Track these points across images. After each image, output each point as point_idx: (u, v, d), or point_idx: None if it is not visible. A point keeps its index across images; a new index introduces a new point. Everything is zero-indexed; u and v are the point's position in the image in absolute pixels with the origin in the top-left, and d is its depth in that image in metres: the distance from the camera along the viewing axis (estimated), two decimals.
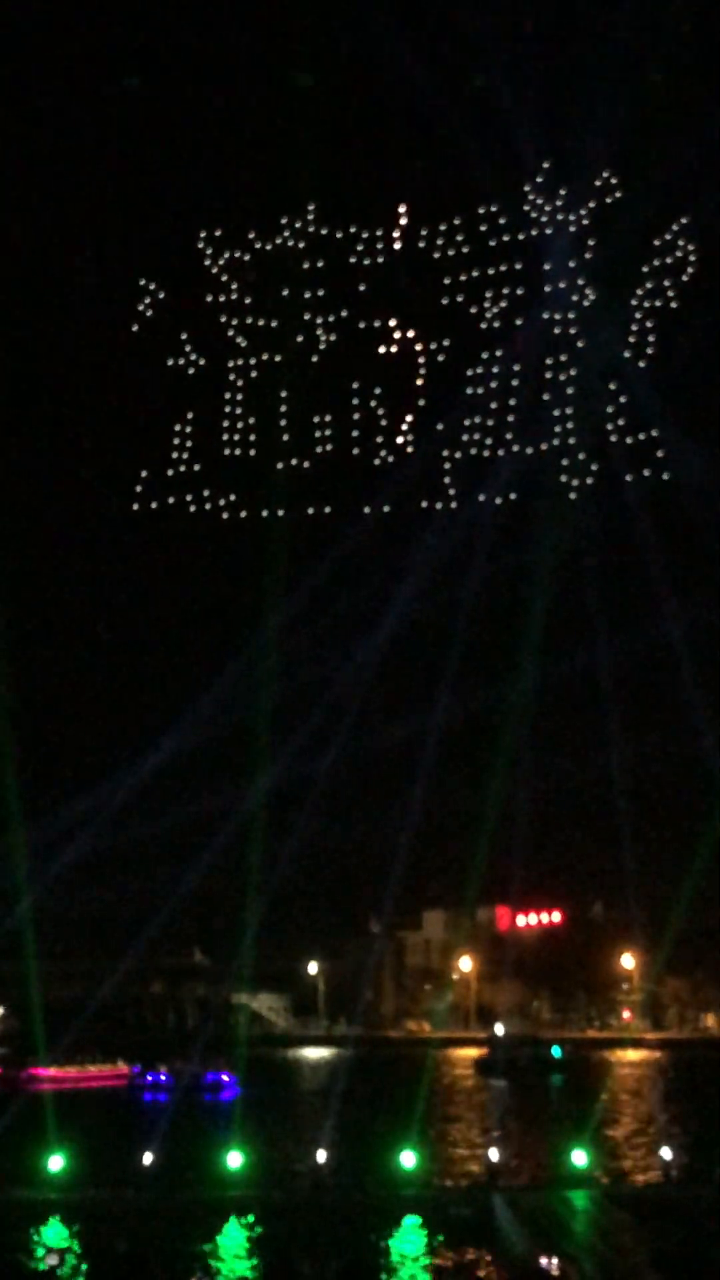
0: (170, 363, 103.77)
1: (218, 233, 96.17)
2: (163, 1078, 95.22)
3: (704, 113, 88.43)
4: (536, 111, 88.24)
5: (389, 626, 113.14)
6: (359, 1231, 43.63)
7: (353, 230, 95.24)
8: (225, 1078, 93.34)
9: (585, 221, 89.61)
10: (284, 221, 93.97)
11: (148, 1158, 50.69)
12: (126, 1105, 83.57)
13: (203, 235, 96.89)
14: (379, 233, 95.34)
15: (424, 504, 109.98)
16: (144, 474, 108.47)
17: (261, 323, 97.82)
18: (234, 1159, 49.92)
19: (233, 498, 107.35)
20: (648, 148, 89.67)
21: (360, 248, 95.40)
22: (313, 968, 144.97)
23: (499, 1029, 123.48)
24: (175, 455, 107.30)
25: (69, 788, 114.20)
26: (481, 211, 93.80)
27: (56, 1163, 49.28)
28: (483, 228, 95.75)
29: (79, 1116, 70.49)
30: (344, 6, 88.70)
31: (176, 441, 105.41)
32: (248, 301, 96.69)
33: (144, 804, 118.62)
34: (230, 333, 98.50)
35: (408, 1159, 49.71)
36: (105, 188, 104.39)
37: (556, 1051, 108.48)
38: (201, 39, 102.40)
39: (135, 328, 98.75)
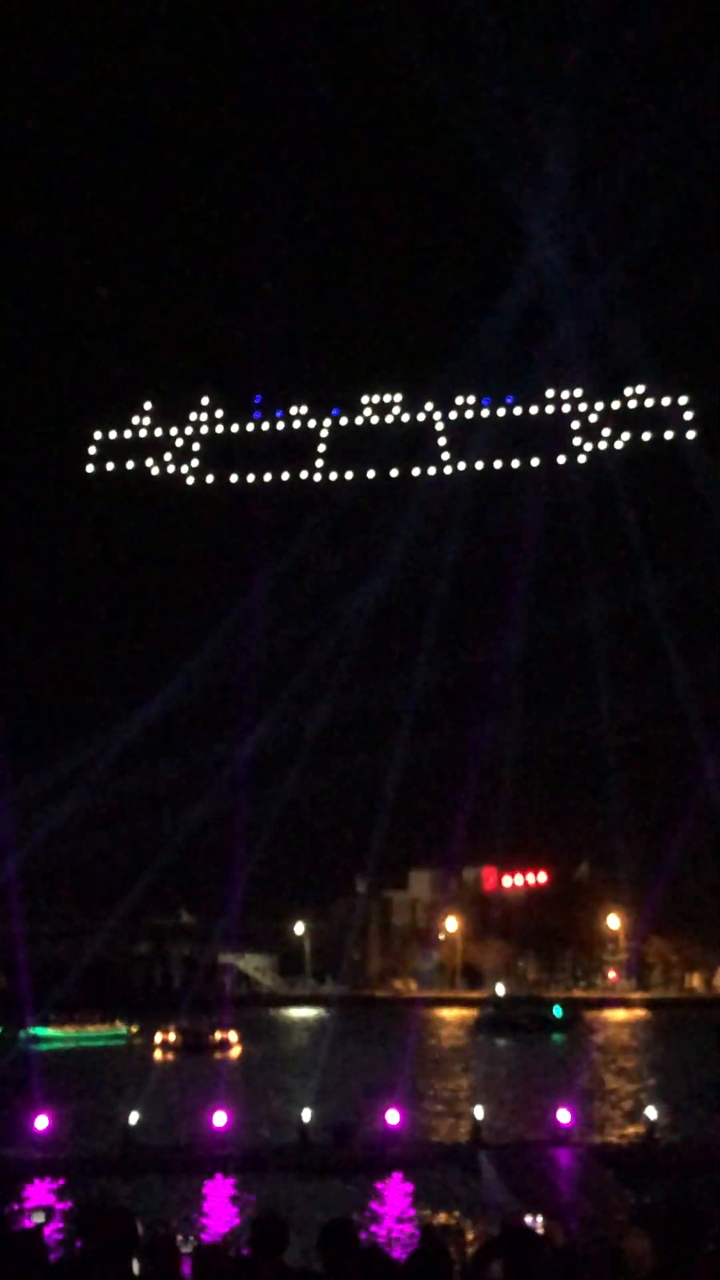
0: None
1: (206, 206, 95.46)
2: (171, 1038, 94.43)
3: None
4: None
5: (375, 584, 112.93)
6: (343, 1189, 43.61)
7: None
8: (232, 1037, 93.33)
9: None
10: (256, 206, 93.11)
11: (134, 1116, 50.66)
12: (130, 1065, 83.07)
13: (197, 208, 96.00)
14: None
15: (413, 469, 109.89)
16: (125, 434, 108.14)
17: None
18: (219, 1116, 49.99)
19: (222, 459, 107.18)
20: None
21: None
22: (299, 927, 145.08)
23: (500, 988, 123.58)
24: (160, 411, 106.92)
25: (52, 747, 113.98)
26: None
27: (42, 1121, 49.28)
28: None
29: (79, 1076, 70.67)
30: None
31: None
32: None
33: (128, 764, 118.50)
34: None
35: (393, 1117, 49.74)
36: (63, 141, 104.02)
37: (558, 1011, 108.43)
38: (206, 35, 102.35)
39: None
